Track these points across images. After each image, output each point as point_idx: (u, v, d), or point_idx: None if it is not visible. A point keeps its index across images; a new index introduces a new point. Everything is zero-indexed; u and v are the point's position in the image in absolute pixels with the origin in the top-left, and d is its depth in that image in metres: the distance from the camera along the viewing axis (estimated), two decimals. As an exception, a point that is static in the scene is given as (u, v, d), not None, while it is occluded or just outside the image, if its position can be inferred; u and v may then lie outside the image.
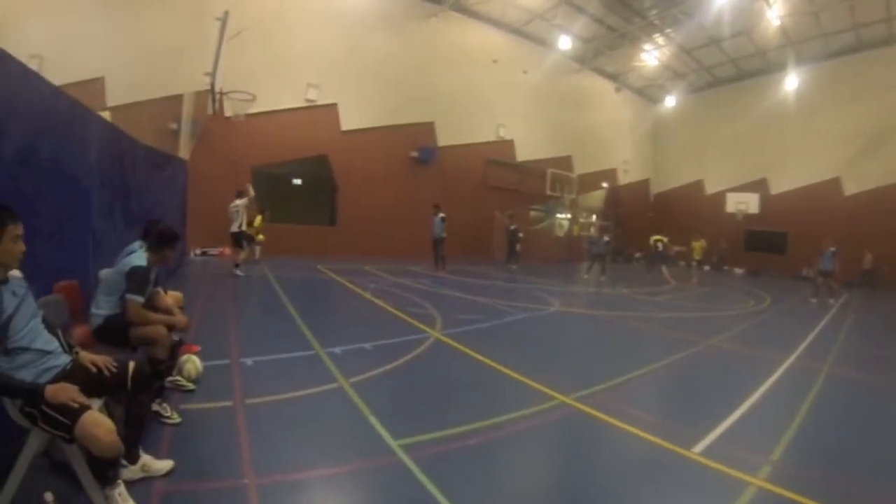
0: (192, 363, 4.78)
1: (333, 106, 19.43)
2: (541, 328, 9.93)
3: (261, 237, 15.42)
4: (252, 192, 12.96)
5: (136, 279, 4.04)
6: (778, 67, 29.11)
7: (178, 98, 15.50)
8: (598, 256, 20.94)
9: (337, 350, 6.47)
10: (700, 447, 4.42)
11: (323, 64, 19.05)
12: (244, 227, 12.73)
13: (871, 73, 26.19)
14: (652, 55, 29.12)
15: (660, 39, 27.42)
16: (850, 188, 27.23)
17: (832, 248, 17.43)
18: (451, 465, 3.76)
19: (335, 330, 7.95)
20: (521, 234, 22.02)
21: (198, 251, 14.85)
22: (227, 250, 15.17)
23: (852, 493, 3.92)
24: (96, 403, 2.84)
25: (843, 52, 27.23)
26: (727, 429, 4.95)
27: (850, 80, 26.89)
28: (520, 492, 3.70)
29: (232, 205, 12.63)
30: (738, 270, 29.64)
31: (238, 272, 12.26)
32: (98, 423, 2.53)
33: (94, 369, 3.00)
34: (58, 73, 8.76)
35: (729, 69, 31.39)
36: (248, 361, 5.66)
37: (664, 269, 20.12)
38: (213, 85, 13.06)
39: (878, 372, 8.06)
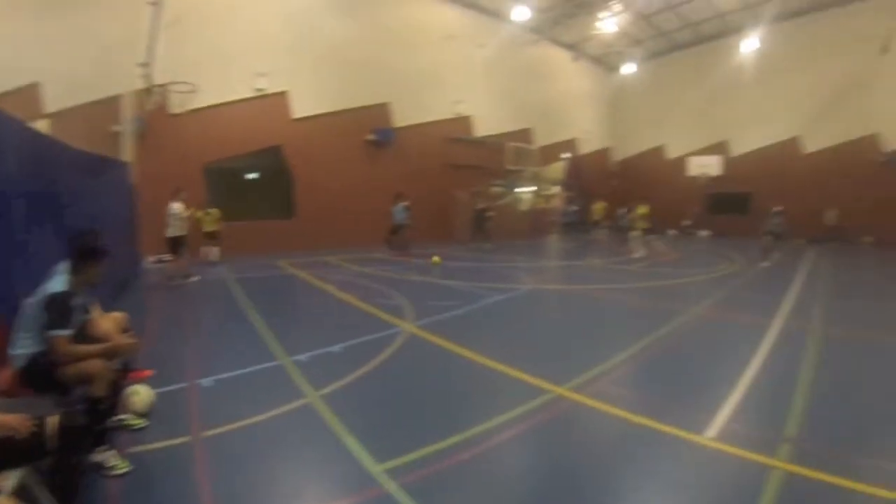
0: (138, 395, 4.12)
1: (284, 94, 18.59)
2: (519, 309, 9.60)
3: (213, 228, 14.66)
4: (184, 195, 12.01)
5: (56, 309, 3.42)
6: (736, 30, 29.16)
7: (117, 98, 14.47)
8: (569, 224, 21.14)
9: (303, 357, 6.04)
10: (712, 431, 4.26)
11: (271, 50, 18.15)
12: (182, 233, 11.70)
13: (828, 32, 26.65)
14: (609, 22, 28.77)
15: (617, 6, 27.02)
16: (810, 146, 27.77)
17: (778, 208, 17.03)
18: (446, 490, 3.37)
19: (301, 333, 7.51)
20: (490, 213, 21.76)
21: (153, 259, 13.93)
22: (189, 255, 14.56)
23: (883, 466, 3.73)
24: (11, 480, 2.29)
25: (802, 12, 27.50)
26: (734, 406, 4.78)
27: (808, 40, 27.32)
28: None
29: (169, 207, 11.66)
30: (704, 233, 30.06)
31: (187, 279, 11.51)
32: None
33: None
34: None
35: (687, 34, 31.38)
36: (207, 382, 5.15)
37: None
38: (150, 77, 12.26)
39: (867, 328, 8.00)
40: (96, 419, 3.37)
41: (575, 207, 22.96)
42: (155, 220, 12.38)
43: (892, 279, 14.16)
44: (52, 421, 2.60)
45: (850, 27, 25.69)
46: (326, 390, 5.00)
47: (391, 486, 3.34)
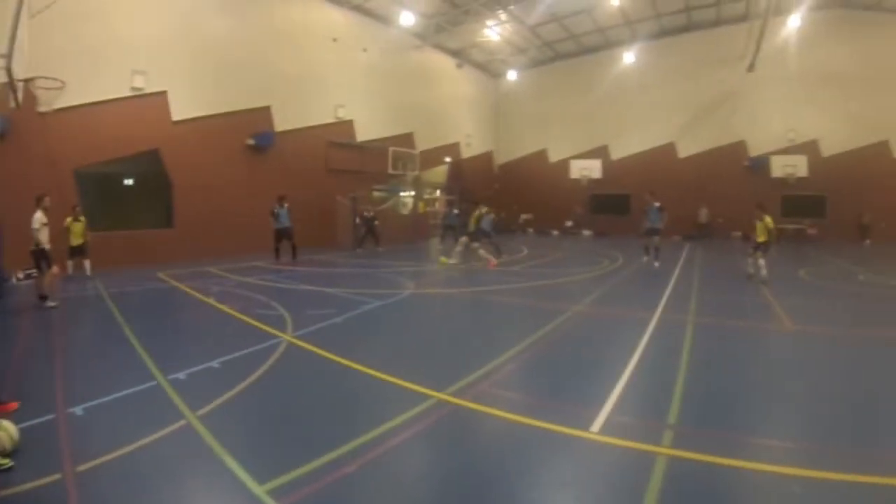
0: (3, 431, 3.93)
1: (163, 94, 17.79)
2: (399, 315, 9.94)
3: (79, 241, 13.87)
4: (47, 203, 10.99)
5: None
6: (616, 43, 32.08)
7: None
8: (450, 228, 22.01)
9: (181, 375, 5.95)
10: (596, 425, 4.55)
11: (150, 47, 17.26)
12: (46, 245, 10.67)
13: (700, 50, 30.21)
14: (494, 31, 29.95)
15: (503, 15, 28.25)
16: (684, 151, 31.31)
17: (657, 204, 16.71)
18: None
19: (179, 350, 7.38)
20: (376, 222, 22.10)
21: (20, 275, 12.89)
22: (55, 269, 13.62)
23: (757, 443, 4.29)
24: None
25: (676, 32, 30.98)
26: (618, 399, 5.16)
27: (681, 57, 30.71)
28: None
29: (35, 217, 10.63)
30: (586, 233, 32.00)
31: (50, 303, 10.25)
32: None
33: None
34: None
35: (570, 45, 33.50)
36: (78, 410, 4.96)
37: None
38: (9, 71, 11.41)
39: (733, 317, 8.93)
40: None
41: (456, 211, 23.72)
42: (19, 231, 11.61)
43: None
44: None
45: (720, 46, 29.15)
46: (204, 410, 4.94)
47: None
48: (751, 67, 27.43)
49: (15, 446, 4.01)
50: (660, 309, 9.63)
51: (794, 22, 26.62)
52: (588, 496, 3.61)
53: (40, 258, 10.67)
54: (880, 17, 26.49)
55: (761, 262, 13.11)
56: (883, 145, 26.96)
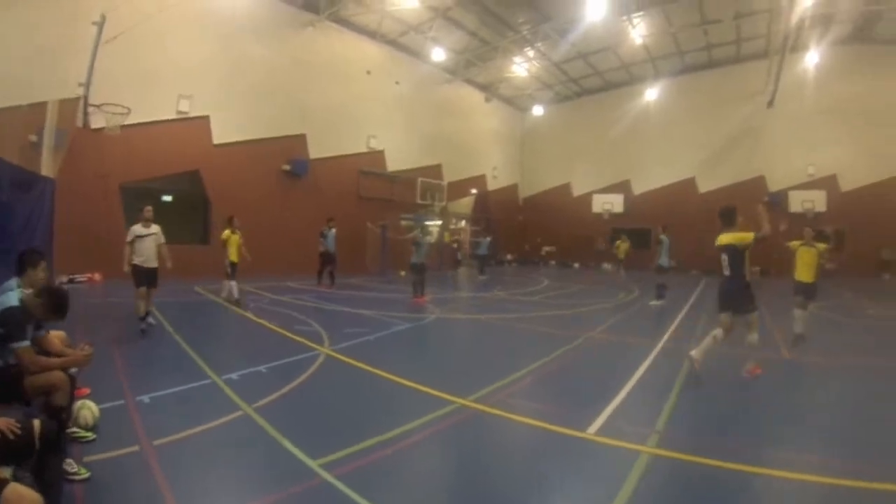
0: (87, 409, 4.42)
1: (206, 118, 18.67)
2: (427, 336, 10.49)
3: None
4: None
5: (12, 322, 3.69)
6: (640, 80, 32.45)
7: (41, 106, 13.73)
8: (481, 257, 22.33)
9: (234, 376, 6.41)
10: (593, 428, 5.05)
11: (196, 73, 18.22)
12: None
13: (720, 87, 30.39)
14: (522, 67, 30.64)
15: (530, 52, 28.96)
16: (704, 186, 31.29)
17: (665, 237, 15.26)
18: (375, 477, 3.93)
19: (227, 355, 7.93)
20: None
21: (65, 278, 13.58)
22: (97, 276, 14.16)
23: (728, 445, 4.74)
24: (5, 472, 2.61)
25: (698, 68, 31.32)
26: (615, 409, 5.66)
27: (703, 93, 30.99)
28: (442, 490, 4.03)
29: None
30: (608, 266, 31.98)
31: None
32: (23, 496, 2.37)
33: None
34: None
35: (595, 80, 34.03)
36: (145, 399, 5.43)
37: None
38: (86, 95, 12.13)
39: (731, 345, 9.05)
40: (62, 428, 3.64)
41: (488, 238, 24.20)
42: (68, 238, 12.16)
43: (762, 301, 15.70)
44: (35, 425, 2.95)
45: (740, 82, 29.38)
46: (259, 404, 5.41)
47: (328, 476, 3.86)
48: (770, 103, 27.64)
49: (96, 422, 4.49)
50: (664, 338, 9.92)
51: (812, 58, 26.93)
52: (577, 482, 4.16)
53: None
54: (897, 51, 26.64)
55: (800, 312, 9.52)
56: (901, 179, 26.87)
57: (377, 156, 26.12)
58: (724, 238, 7.29)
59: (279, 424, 4.83)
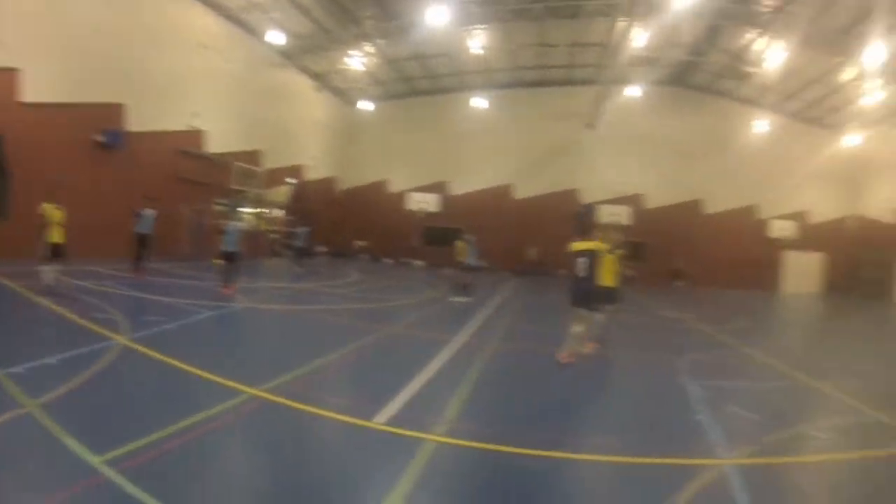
0: None
1: (13, 71, 16.54)
2: (229, 326, 10.81)
3: None
4: None
5: None
6: (471, 87, 34.39)
7: None
8: (298, 248, 22.53)
9: (19, 369, 6.15)
10: (383, 418, 5.58)
11: (5, 15, 16.04)
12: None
13: (548, 104, 33.94)
14: (358, 60, 31.13)
15: (370, 48, 29.68)
16: (521, 193, 34.83)
17: (470, 236, 16.52)
18: (160, 471, 4.06)
19: (15, 345, 7.58)
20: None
21: None
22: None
23: (510, 434, 5.49)
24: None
25: (530, 84, 34.32)
26: (407, 400, 6.31)
27: (531, 107, 34.27)
28: (230, 484, 4.27)
29: None
30: (418, 263, 33.78)
31: None
32: None
33: None
34: None
35: (427, 83, 35.55)
36: None
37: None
38: None
39: (536, 342, 10.38)
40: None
41: (307, 229, 24.32)
42: None
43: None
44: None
45: (567, 103, 32.95)
46: (44, 399, 5.28)
47: (110, 473, 3.90)
48: (591, 125, 31.69)
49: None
50: (464, 333, 10.91)
51: (633, 91, 31.08)
52: (360, 469, 4.61)
53: None
54: (707, 98, 33.01)
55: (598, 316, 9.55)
56: (697, 203, 33.37)
57: (197, 135, 25.07)
58: (583, 245, 8.77)
59: (63, 421, 4.72)
